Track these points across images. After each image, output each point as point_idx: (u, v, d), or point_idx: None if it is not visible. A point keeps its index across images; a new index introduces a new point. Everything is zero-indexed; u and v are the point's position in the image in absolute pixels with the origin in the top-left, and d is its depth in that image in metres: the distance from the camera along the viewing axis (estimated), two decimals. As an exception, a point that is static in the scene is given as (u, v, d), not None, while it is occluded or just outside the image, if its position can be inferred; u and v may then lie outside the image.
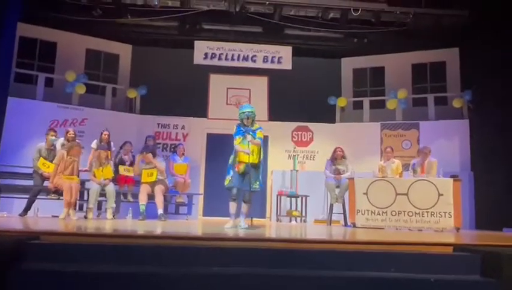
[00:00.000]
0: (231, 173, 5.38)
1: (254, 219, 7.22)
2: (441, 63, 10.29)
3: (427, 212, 6.58)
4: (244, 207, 5.38)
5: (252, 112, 5.41)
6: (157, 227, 5.07)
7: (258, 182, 5.37)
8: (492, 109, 8.10)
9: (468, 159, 9.11)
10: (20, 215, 6.75)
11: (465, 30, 9.08)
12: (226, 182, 5.42)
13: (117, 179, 7.61)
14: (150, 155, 7.33)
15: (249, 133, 5.34)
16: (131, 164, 7.93)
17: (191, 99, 9.98)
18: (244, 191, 5.31)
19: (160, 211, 6.87)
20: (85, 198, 7.25)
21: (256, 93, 10.39)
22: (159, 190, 7.01)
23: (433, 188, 6.64)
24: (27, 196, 6.93)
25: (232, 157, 5.45)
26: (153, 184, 7.12)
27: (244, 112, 5.41)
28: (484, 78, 8.31)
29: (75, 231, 4.08)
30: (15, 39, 8.06)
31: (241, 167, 5.26)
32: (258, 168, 5.39)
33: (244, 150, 5.24)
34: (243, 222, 5.29)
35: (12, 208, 7.58)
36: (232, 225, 5.29)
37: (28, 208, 6.87)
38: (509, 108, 7.67)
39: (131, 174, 7.72)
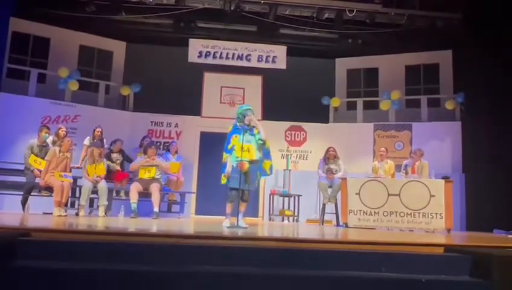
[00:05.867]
0: (227, 170, 5.34)
1: (246, 217, 7.21)
2: (434, 65, 10.36)
3: (419, 213, 6.61)
4: (242, 206, 5.30)
5: (250, 108, 5.47)
6: (150, 225, 5.05)
7: (255, 182, 5.37)
8: (485, 111, 8.16)
9: (459, 160, 9.17)
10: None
11: (458, 33, 9.14)
12: (223, 181, 5.38)
13: (113, 176, 7.62)
14: (154, 150, 7.33)
15: (246, 131, 5.32)
16: (121, 163, 7.96)
17: (185, 98, 9.96)
18: (243, 190, 5.26)
19: (156, 209, 6.84)
20: (77, 195, 7.22)
21: (250, 92, 10.39)
22: (155, 188, 6.97)
23: (425, 189, 6.67)
24: (18, 193, 6.88)
25: (227, 155, 5.41)
26: (148, 182, 7.09)
27: (246, 109, 5.43)
28: (477, 81, 8.36)
29: (66, 228, 4.05)
30: (7, 34, 8.04)
31: (246, 166, 5.20)
32: (256, 165, 5.36)
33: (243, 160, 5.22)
34: (242, 221, 5.23)
35: (3, 204, 7.53)
36: (229, 224, 5.24)
37: (23, 204, 6.83)
38: (501, 111, 7.73)
39: (118, 167, 7.84)
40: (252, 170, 5.29)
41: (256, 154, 5.31)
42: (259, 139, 5.38)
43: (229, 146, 5.38)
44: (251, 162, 5.27)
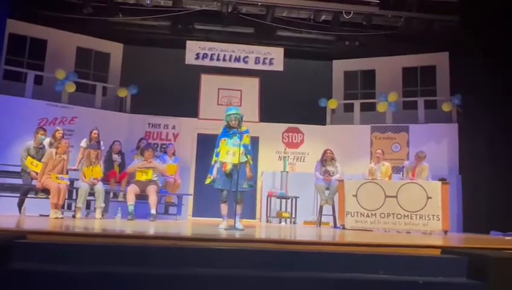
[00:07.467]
0: (214, 172, 5.38)
1: (244, 219, 7.21)
2: (431, 67, 10.39)
3: (416, 214, 6.62)
4: (238, 208, 5.29)
5: (238, 113, 5.41)
6: (147, 227, 5.04)
7: (246, 182, 5.32)
8: (481, 113, 8.18)
9: (456, 162, 9.19)
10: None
11: (455, 35, 9.16)
12: (208, 181, 5.42)
13: (110, 175, 7.62)
14: (151, 152, 7.31)
15: (235, 135, 5.32)
16: (120, 164, 7.96)
17: (182, 99, 9.96)
18: (234, 191, 5.28)
19: (153, 211, 6.83)
20: (74, 197, 7.20)
21: (248, 94, 10.40)
22: (152, 190, 6.96)
23: (421, 191, 6.68)
24: (14, 195, 6.85)
25: (216, 159, 5.44)
26: (145, 184, 7.08)
27: (230, 114, 5.40)
28: (473, 83, 8.38)
29: (63, 230, 4.04)
30: (4, 36, 8.02)
31: (228, 167, 5.24)
32: (243, 167, 5.31)
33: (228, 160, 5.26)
34: (239, 223, 5.23)
35: (-1, 206, 7.49)
36: (226, 226, 5.24)
37: (19, 207, 6.80)
38: (497, 112, 7.75)
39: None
40: (235, 172, 5.21)
41: (242, 158, 5.28)
42: (247, 153, 5.37)
43: (217, 149, 5.43)
44: (235, 165, 5.23)
